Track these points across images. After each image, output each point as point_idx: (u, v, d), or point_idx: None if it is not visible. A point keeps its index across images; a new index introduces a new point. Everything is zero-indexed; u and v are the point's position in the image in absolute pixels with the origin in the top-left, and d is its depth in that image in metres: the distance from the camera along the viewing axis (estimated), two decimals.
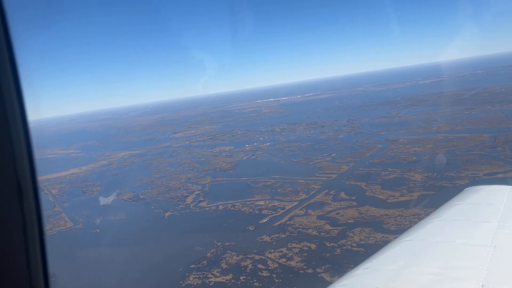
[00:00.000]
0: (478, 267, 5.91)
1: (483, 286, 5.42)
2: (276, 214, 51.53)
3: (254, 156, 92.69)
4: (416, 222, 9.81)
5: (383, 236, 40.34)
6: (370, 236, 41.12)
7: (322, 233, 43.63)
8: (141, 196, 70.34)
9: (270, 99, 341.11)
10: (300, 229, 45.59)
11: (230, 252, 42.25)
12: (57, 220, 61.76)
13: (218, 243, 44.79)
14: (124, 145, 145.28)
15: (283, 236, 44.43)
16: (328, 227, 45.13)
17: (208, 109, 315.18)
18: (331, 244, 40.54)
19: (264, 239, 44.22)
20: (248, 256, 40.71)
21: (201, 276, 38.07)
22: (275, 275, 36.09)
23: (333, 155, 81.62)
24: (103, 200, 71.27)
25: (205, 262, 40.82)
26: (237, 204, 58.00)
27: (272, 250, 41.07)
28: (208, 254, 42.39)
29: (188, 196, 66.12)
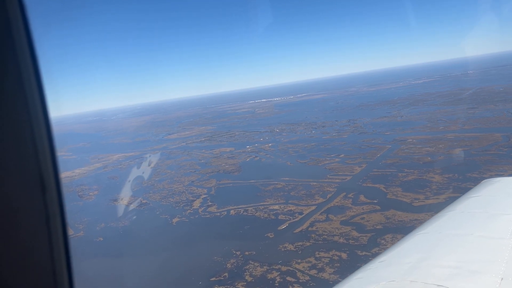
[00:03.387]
0: (497, 260, 5.70)
1: (502, 279, 5.17)
2: (295, 220, 48.21)
3: (258, 158, 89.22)
4: None
5: None
6: None
7: (350, 241, 40.45)
8: (143, 201, 66.25)
9: (263, 100, 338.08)
10: (325, 236, 42.34)
11: (252, 262, 38.75)
12: None
13: (237, 252, 41.24)
14: (118, 147, 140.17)
15: (308, 244, 41.09)
16: (355, 233, 41.97)
17: (200, 110, 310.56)
18: (364, 253, 37.36)
19: (287, 248, 40.83)
20: (274, 267, 37.28)
21: None
22: None
23: (341, 156, 78.72)
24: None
25: (226, 274, 37.24)
26: (250, 208, 54.51)
27: (299, 260, 37.70)
28: (228, 265, 38.80)
29: (195, 200, 62.34)
